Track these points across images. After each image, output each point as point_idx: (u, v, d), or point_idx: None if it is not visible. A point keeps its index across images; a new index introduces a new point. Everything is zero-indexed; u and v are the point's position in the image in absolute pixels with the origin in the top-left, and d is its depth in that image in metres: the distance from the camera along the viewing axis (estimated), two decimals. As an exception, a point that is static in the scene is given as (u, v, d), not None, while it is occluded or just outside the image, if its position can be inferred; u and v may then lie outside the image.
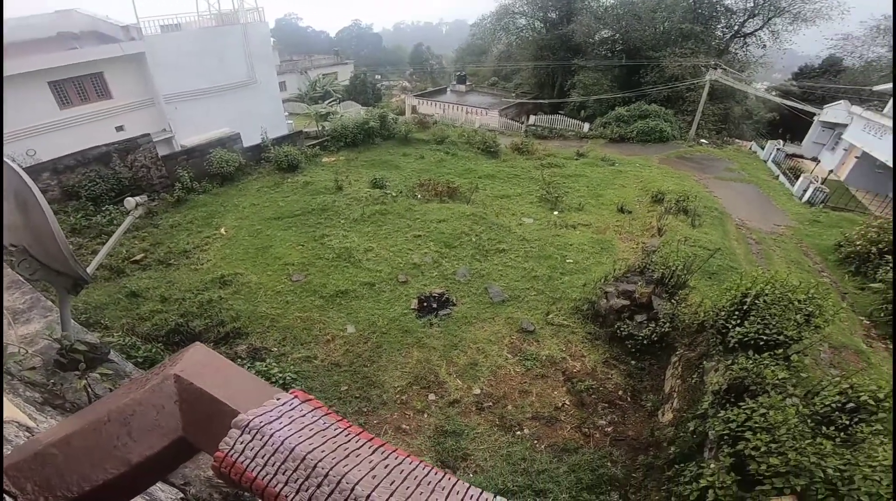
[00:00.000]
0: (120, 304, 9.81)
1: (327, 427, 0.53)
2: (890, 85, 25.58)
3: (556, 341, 9.42)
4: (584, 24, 38.04)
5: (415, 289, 10.77)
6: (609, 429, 7.71)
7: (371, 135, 22.42)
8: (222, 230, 13.40)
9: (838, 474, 4.98)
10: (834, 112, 28.63)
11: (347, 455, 0.49)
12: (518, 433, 7.53)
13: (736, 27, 39.32)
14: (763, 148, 29.18)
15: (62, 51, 16.86)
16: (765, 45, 39.62)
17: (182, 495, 1.50)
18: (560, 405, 8.05)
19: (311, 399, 0.59)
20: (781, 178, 24.19)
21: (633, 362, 8.93)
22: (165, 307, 9.68)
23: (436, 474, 0.48)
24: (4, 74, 14.91)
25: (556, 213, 16.09)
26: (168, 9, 25.34)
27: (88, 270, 3.09)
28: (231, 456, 0.52)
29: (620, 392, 8.38)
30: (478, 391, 8.24)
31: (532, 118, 35.41)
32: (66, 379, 3.01)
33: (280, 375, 7.77)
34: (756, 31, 38.99)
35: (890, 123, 22.39)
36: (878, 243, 13.57)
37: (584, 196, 18.11)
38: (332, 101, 32.30)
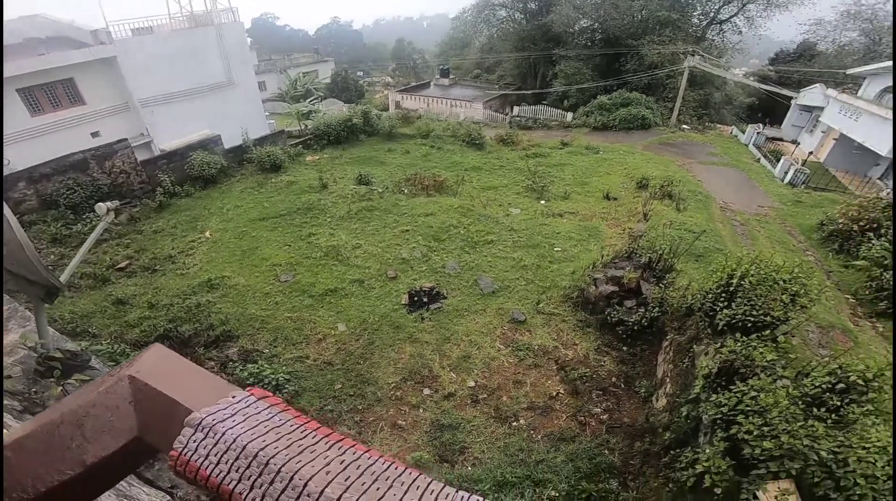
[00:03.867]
0: (107, 312, 9.70)
1: (283, 424, 0.53)
2: (863, 68, 25.93)
3: (547, 330, 9.46)
4: (563, 14, 38.08)
5: (404, 284, 10.73)
6: (604, 417, 7.75)
7: (355, 132, 22.29)
8: (207, 234, 13.21)
9: (832, 456, 4.94)
10: (810, 96, 29.13)
11: (302, 452, 0.48)
12: (514, 424, 7.56)
13: (712, 14, 39.68)
14: (744, 132, 29.57)
15: (30, 57, 16.41)
16: (741, 32, 40.11)
17: (169, 498, 1.46)
18: (554, 394, 8.09)
19: (268, 396, 0.59)
20: (763, 161, 24.54)
21: (624, 348, 8.99)
22: (153, 314, 9.60)
23: (396, 469, 0.47)
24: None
25: (542, 202, 16.13)
26: (138, 12, 24.83)
27: (62, 278, 3.00)
28: (185, 455, 0.52)
29: (614, 379, 8.42)
30: (472, 384, 8.25)
31: (516, 109, 35.45)
32: (46, 387, 2.96)
33: (272, 376, 7.74)
34: (731, 17, 39.43)
35: (864, 105, 22.80)
36: (859, 221, 13.77)
37: (570, 185, 18.19)
38: (314, 99, 31.97)
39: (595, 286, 9.49)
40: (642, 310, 8.76)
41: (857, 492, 4.74)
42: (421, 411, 7.77)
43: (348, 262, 11.58)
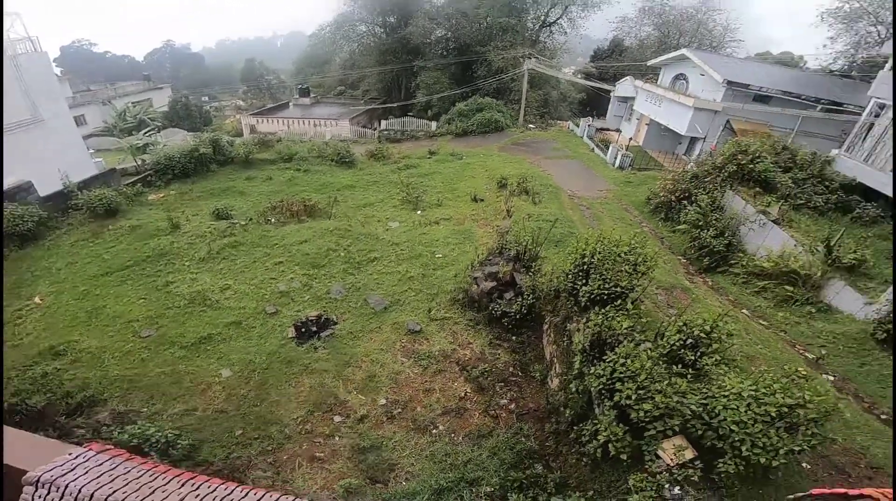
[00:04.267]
0: (-72, 398, 7.72)
1: (129, 471, 0.57)
2: (658, 59, 30.12)
3: (443, 334, 9.76)
4: (419, 26, 39.48)
5: (288, 317, 10.24)
6: (512, 406, 8.22)
7: (204, 162, 20.27)
8: (37, 299, 11.08)
9: (702, 408, 5.45)
10: (623, 87, 33.57)
11: (153, 492, 0.53)
12: (434, 431, 7.67)
13: (542, 17, 43.75)
14: (578, 126, 33.17)
15: None
16: (566, 33, 44.85)
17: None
18: (463, 394, 8.38)
19: (108, 449, 0.61)
20: (596, 150, 27.86)
21: (513, 337, 9.64)
22: (-11, 391, 7.89)
23: (255, 494, 0.54)
24: None
25: (418, 212, 16.56)
26: None
27: None
28: None
29: (511, 369, 8.97)
30: (383, 401, 8.20)
31: (383, 123, 35.90)
32: None
33: (159, 434, 6.91)
34: (558, 19, 43.81)
35: (662, 92, 26.73)
36: (675, 192, 16.56)
37: (441, 192, 18.92)
38: (150, 130, 28.84)
39: (476, 285, 10.07)
40: (520, 299, 9.52)
41: (735, 438, 5.19)
42: (337, 438, 7.52)
43: (219, 305, 10.67)
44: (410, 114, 38.65)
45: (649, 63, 31.64)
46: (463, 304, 10.46)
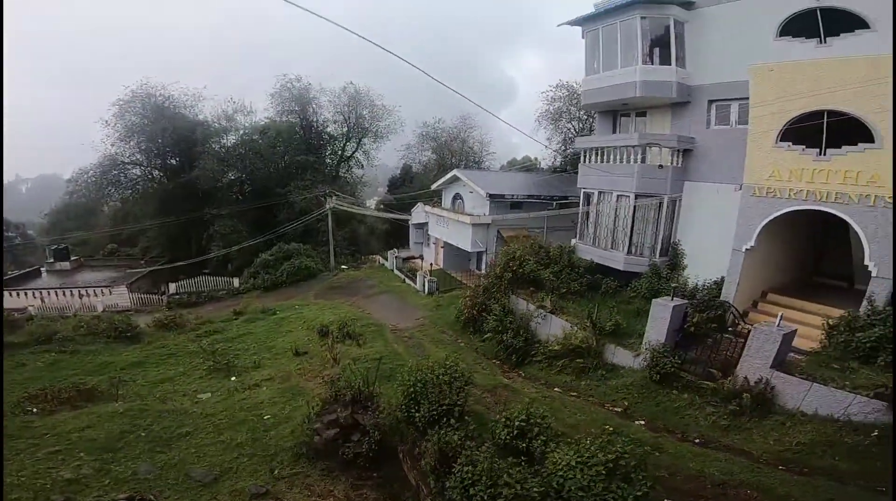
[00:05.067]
0: None
1: None
2: (438, 182, 31.10)
3: (296, 490, 8.96)
4: (207, 169, 36.15)
5: (87, 505, 8.13)
6: None
7: (-86, 359, 15.11)
8: None
9: (545, 487, 6.14)
10: (417, 215, 34.85)
11: None
12: None
13: (339, 152, 45.55)
14: (387, 259, 34.08)
15: None
16: (362, 166, 47.23)
17: None
18: (339, 544, 7.63)
19: None
20: (407, 281, 28.97)
21: (375, 474, 9.40)
22: None
23: None
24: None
25: (233, 379, 15.18)
26: None
27: None
28: None
29: None
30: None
31: (173, 286, 31.54)
32: None
33: None
34: (354, 152, 46.13)
35: (446, 213, 28.60)
36: (474, 307, 18.84)
37: (257, 353, 17.78)
38: None
39: (318, 435, 9.82)
40: (367, 438, 9.58)
41: None
42: None
43: (-25, 501, 7.89)
44: (206, 271, 34.49)
45: (432, 187, 32.80)
46: (309, 457, 9.89)
